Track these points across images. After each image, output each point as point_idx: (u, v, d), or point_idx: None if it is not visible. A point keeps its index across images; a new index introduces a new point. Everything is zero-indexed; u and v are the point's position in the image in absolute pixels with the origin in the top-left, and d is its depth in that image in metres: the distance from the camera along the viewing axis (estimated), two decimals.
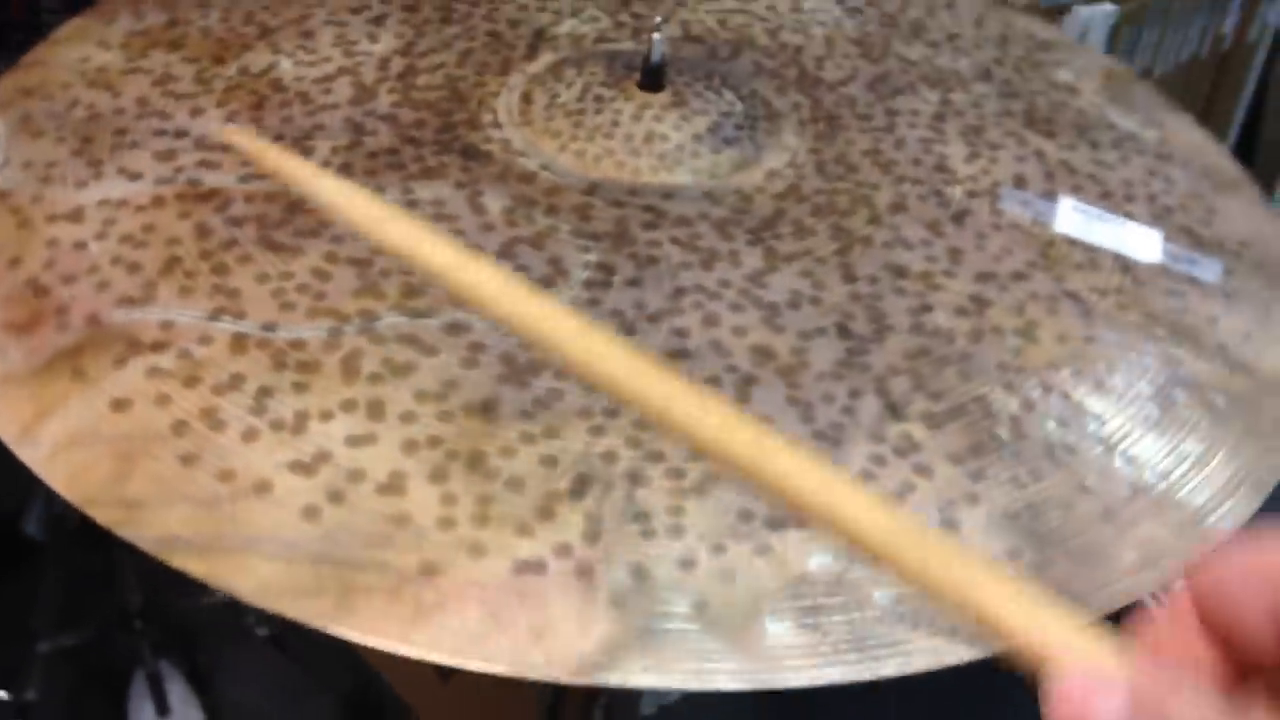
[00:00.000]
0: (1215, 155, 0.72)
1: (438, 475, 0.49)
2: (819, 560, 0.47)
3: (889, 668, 0.44)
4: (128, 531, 0.47)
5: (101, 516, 0.47)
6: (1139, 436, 0.54)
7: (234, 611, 1.36)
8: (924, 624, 0.45)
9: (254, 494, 0.48)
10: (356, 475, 0.49)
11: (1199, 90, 1.57)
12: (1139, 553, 0.49)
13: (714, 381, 0.53)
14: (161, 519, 0.47)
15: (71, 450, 0.50)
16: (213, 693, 1.39)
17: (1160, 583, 0.48)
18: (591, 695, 1.02)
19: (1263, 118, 1.67)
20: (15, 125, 0.66)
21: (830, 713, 1.39)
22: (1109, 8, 1.33)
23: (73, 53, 0.71)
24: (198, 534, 0.47)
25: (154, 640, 1.31)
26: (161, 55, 0.71)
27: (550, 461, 0.49)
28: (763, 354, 0.54)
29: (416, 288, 0.56)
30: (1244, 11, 1.54)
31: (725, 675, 0.44)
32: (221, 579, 0.46)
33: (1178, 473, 0.53)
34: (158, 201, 0.60)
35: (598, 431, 0.51)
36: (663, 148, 0.64)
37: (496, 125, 0.66)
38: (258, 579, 0.46)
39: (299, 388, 0.52)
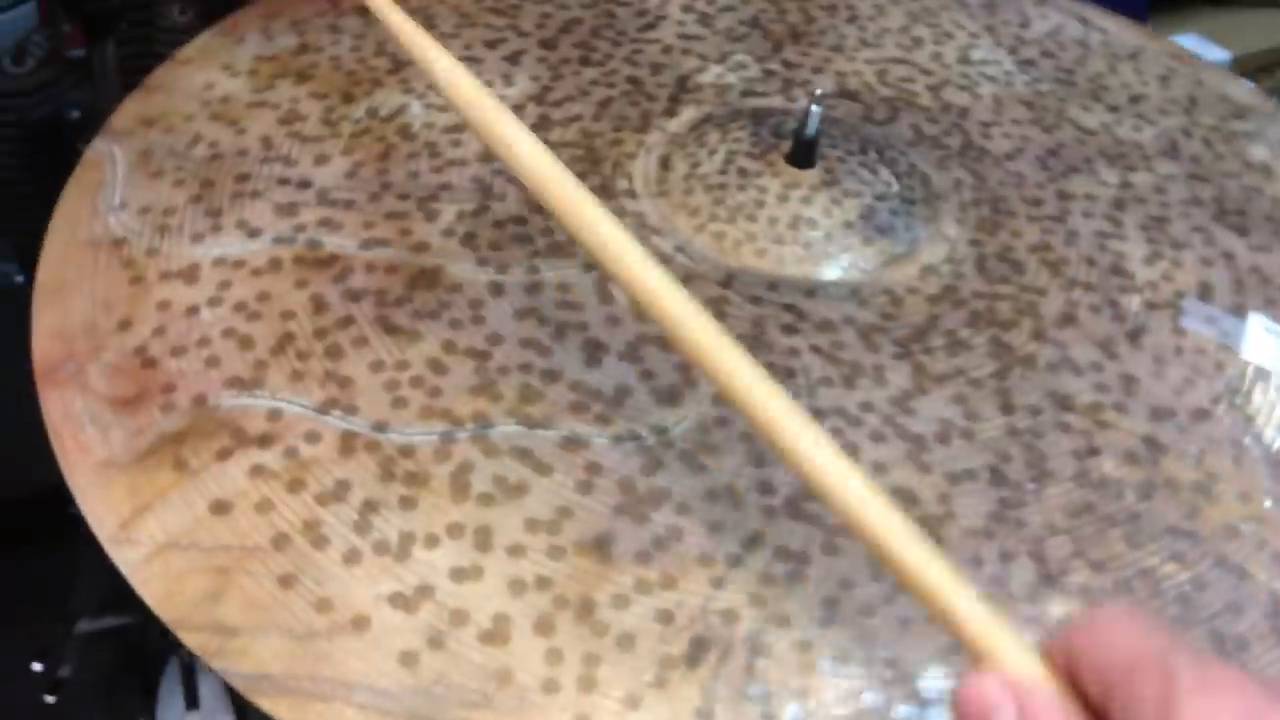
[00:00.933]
0: None
1: (544, 626, 0.45)
2: None
3: None
4: (220, 663, 0.44)
5: (193, 642, 0.45)
6: None
7: None
8: None
9: (351, 630, 0.45)
10: (459, 617, 0.45)
11: None
12: None
13: (849, 532, 0.48)
14: (254, 650, 0.45)
15: (168, 556, 0.47)
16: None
17: None
18: None
19: None
20: (134, 161, 0.64)
21: None
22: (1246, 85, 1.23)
23: (198, 77, 0.69)
24: (289, 673, 0.44)
25: None
26: (289, 88, 0.68)
27: (666, 617, 0.46)
28: (905, 498, 0.50)
29: (535, 391, 0.52)
30: None
31: None
32: None
33: None
34: (274, 264, 0.57)
35: (718, 584, 0.47)
36: (810, 235, 0.59)
37: (631, 194, 0.62)
38: None
39: (406, 503, 0.48)
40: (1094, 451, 0.52)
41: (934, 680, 0.44)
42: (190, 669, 1.27)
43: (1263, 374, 0.57)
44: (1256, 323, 0.59)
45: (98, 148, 0.65)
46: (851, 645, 0.45)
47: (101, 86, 0.92)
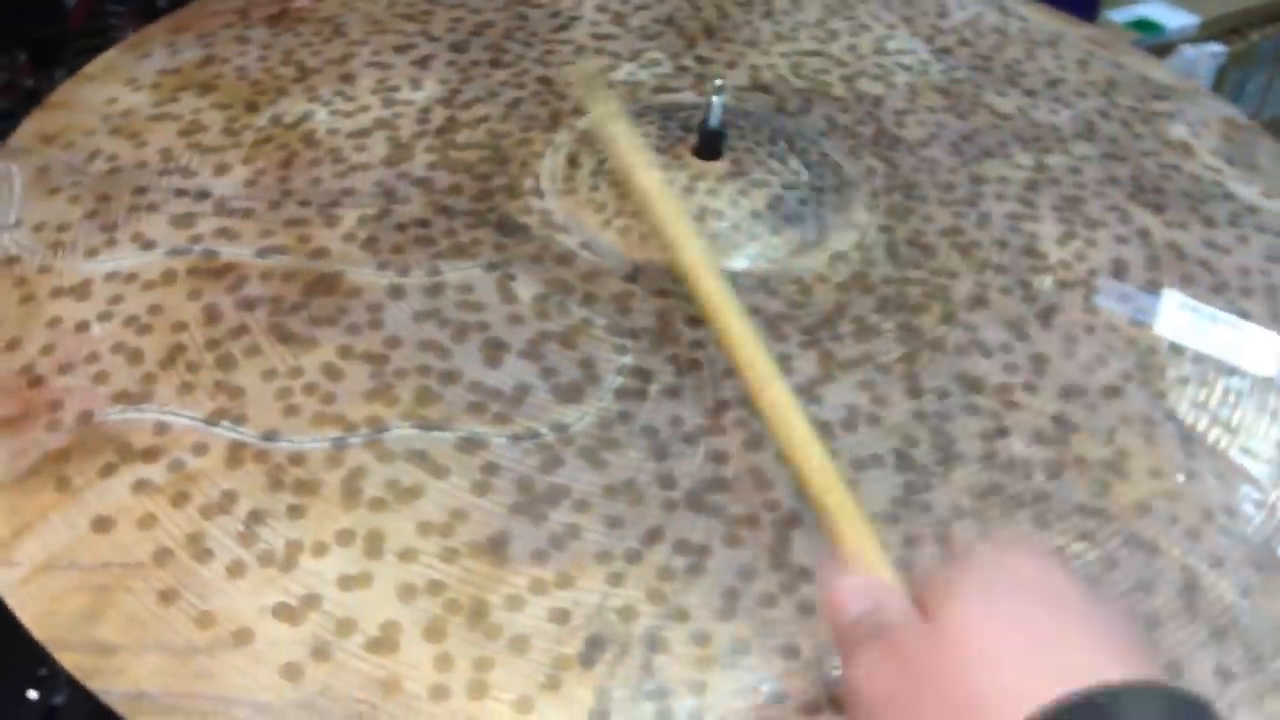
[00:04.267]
0: None
1: (434, 631, 0.44)
2: None
3: None
4: (96, 683, 0.43)
5: (69, 662, 0.44)
6: (1235, 614, 0.47)
7: None
8: None
9: (233, 644, 0.44)
10: (346, 626, 0.44)
11: None
12: None
13: (751, 521, 0.47)
14: (132, 669, 0.43)
15: (47, 576, 0.46)
16: None
17: None
18: None
19: None
20: (32, 177, 0.62)
21: None
22: (1216, 48, 1.22)
23: (100, 93, 0.68)
24: (167, 691, 0.42)
25: None
26: (192, 99, 0.67)
27: (561, 616, 0.44)
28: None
29: (432, 393, 0.51)
30: None
31: None
32: None
33: None
34: (168, 277, 0.56)
35: (617, 580, 0.45)
36: (716, 226, 0.58)
37: (538, 193, 0.61)
38: None
39: (294, 512, 0.47)
40: (1002, 432, 0.51)
41: (836, 670, 0.43)
42: None
43: (1176, 349, 0.56)
44: (1171, 298, 0.58)
45: None
46: (751, 636, 0.44)
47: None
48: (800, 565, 0.46)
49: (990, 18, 0.79)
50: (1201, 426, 0.53)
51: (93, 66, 0.71)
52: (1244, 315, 0.58)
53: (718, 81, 0.59)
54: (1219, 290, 0.59)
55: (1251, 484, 0.51)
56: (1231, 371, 0.55)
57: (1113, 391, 0.54)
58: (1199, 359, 0.55)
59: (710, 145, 0.60)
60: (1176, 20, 1.41)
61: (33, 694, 1.25)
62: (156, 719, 0.42)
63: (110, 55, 0.71)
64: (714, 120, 0.59)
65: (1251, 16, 1.45)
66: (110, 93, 0.68)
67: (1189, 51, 1.23)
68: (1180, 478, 0.50)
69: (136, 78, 0.69)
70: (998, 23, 0.78)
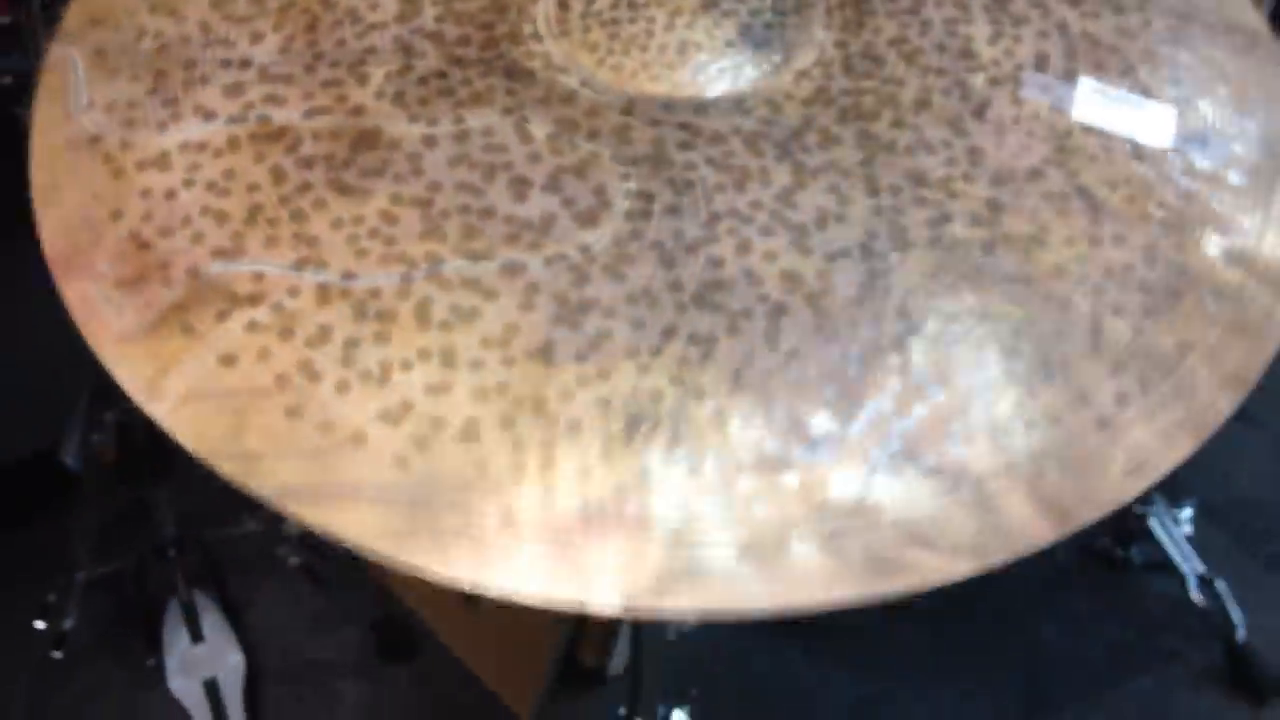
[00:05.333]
0: (1239, 10, 0.74)
1: (507, 422, 0.56)
2: (838, 489, 0.54)
3: (900, 585, 0.52)
4: (250, 484, 0.55)
5: (226, 469, 0.56)
6: (1131, 350, 0.59)
7: (266, 541, 1.43)
8: (933, 545, 0.53)
9: (351, 445, 0.56)
10: (438, 424, 0.56)
11: None
12: (1128, 457, 0.56)
13: (747, 314, 0.59)
14: (277, 470, 0.55)
15: (191, 406, 0.58)
16: (245, 621, 1.46)
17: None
18: (611, 626, 1.06)
19: None
20: (90, 60, 0.71)
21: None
22: None
23: None
24: (307, 484, 0.55)
25: (188, 570, 1.37)
26: None
27: (603, 403, 0.56)
28: (791, 280, 0.60)
29: (474, 229, 0.62)
30: None
31: (763, 599, 0.52)
32: (332, 525, 0.54)
33: (1171, 374, 0.58)
34: (233, 144, 0.66)
35: (644, 370, 0.57)
36: (696, 59, 0.67)
37: (537, 38, 0.70)
38: (361, 525, 0.54)
39: (379, 337, 0.59)
40: (946, 219, 0.62)
41: (821, 425, 0.56)
42: (191, 606, 1.34)
43: (1089, 131, 0.66)
44: (1085, 85, 0.68)
45: (57, 53, 0.72)
46: (755, 406, 0.56)
47: (30, 51, 0.97)
48: (791, 346, 0.58)
49: None
50: (1103, 195, 0.64)
51: None
52: (1146, 93, 0.68)
53: None
54: (1127, 73, 0.70)
55: (1147, 244, 0.62)
56: (1134, 147, 0.66)
57: (1035, 174, 0.64)
58: (1106, 137, 0.66)
59: None
60: None
61: (39, 624, 1.34)
62: (304, 506, 0.55)
63: None
64: None
65: None
66: None
67: None
68: (1086, 244, 0.62)
69: None
70: None
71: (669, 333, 0.58)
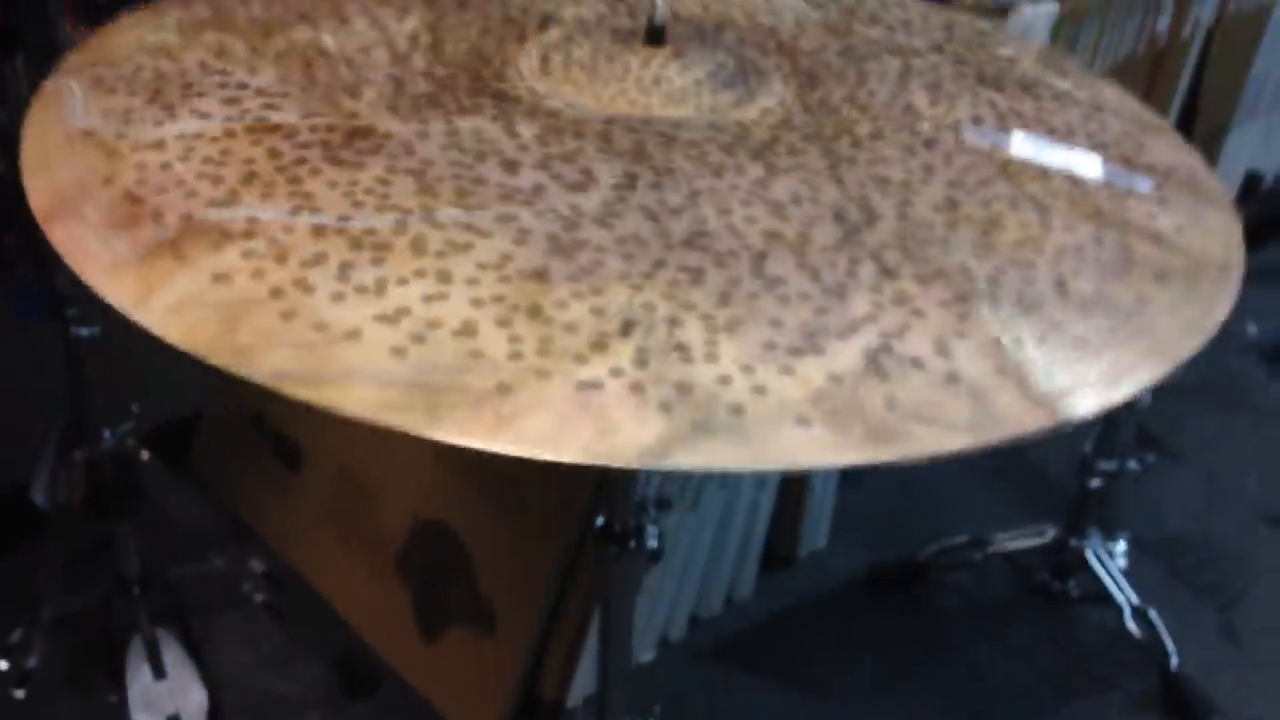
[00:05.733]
0: (1140, 109, 0.83)
1: (503, 322, 0.56)
2: (833, 374, 0.55)
3: (897, 453, 0.53)
4: (241, 368, 0.54)
5: (215, 360, 0.55)
6: (1099, 293, 0.63)
7: (230, 578, 1.42)
8: (926, 420, 0.53)
9: (346, 340, 0.55)
10: (434, 323, 0.56)
11: (1137, 87, 1.70)
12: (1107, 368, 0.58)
13: (733, 255, 0.61)
14: (270, 359, 0.55)
15: (182, 312, 0.57)
16: (208, 657, 1.44)
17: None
18: (571, 655, 1.03)
19: (1197, 113, 1.80)
20: (88, 86, 0.74)
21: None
22: (1049, 7, 1.45)
23: (129, 35, 0.80)
24: (302, 369, 0.54)
25: (151, 607, 1.37)
26: (215, 34, 0.80)
27: (599, 311, 0.57)
28: (772, 236, 0.63)
29: (467, 189, 0.64)
30: (1177, 10, 1.68)
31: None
32: (327, 402, 0.53)
33: (1131, 319, 0.62)
34: (229, 134, 0.69)
35: (637, 289, 0.59)
36: (669, 88, 0.73)
37: (521, 79, 0.75)
38: (357, 400, 0.53)
39: (376, 261, 0.59)
40: (909, 203, 0.67)
41: (809, 324, 0.57)
42: (154, 643, 1.30)
43: (1025, 160, 0.73)
44: (1019, 135, 0.76)
45: (52, 84, 0.75)
46: (742, 317, 0.58)
47: (13, 98, 1.01)
48: (775, 274, 0.60)
49: None
50: (1048, 202, 0.69)
51: (114, 26, 0.83)
52: (1073, 146, 0.76)
53: None
54: (1052, 133, 0.77)
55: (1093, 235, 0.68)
56: (1070, 177, 0.73)
57: (984, 183, 0.70)
58: (1044, 166, 0.73)
59: (657, 35, 0.76)
60: None
61: (2, 664, 1.29)
62: (298, 388, 0.53)
63: (128, 18, 0.84)
64: (659, 18, 0.76)
65: None
66: (138, 35, 0.80)
67: (1027, 11, 1.43)
68: (1037, 228, 0.67)
69: (161, 25, 0.81)
70: None
71: (658, 264, 0.60)
